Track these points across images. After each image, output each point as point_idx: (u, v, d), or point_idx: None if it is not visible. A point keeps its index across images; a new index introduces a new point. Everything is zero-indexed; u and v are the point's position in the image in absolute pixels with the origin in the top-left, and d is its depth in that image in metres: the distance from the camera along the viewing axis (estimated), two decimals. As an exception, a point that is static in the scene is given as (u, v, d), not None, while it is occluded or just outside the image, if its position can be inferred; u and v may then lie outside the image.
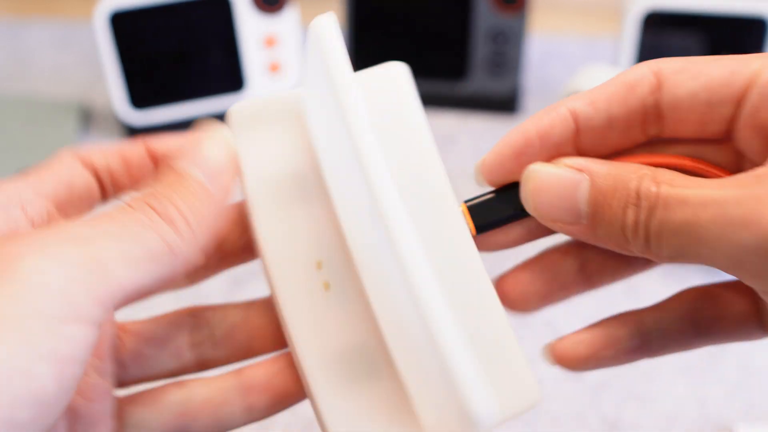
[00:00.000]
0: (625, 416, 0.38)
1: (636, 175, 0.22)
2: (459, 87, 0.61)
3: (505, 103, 0.61)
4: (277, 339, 0.30)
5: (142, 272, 0.23)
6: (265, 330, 0.30)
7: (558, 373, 0.40)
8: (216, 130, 0.25)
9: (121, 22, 0.55)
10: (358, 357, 0.27)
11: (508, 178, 0.25)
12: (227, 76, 0.59)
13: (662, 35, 0.54)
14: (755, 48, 0.52)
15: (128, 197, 0.24)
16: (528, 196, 0.24)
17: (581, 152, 0.24)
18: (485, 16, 0.58)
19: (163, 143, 0.29)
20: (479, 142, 0.59)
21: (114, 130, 0.61)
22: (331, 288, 0.27)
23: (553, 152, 0.24)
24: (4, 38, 0.75)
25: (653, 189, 0.22)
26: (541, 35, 0.73)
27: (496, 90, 0.60)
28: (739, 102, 0.23)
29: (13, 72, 0.69)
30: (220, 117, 0.63)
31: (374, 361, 0.27)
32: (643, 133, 0.24)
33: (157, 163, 0.29)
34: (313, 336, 0.27)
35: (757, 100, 0.22)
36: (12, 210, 0.26)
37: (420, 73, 0.61)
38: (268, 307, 0.30)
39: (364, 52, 0.61)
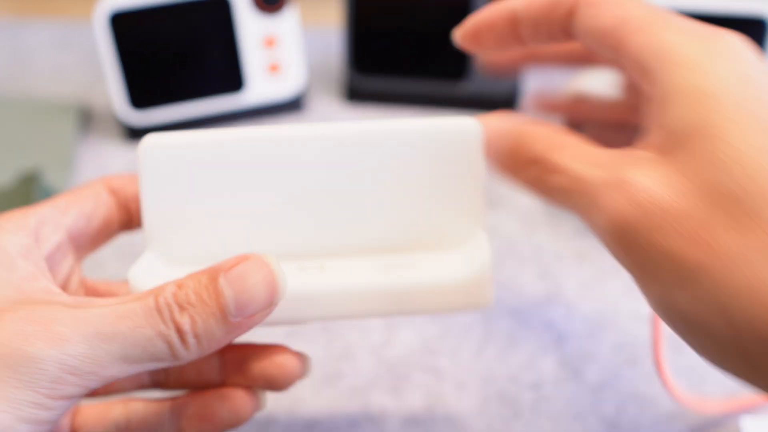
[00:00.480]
0: (625, 416, 0.38)
1: (533, 136, 0.27)
2: (459, 87, 0.61)
3: (506, 104, 0.61)
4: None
5: (135, 369, 0.25)
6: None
7: (558, 373, 0.41)
8: (271, 262, 0.26)
9: (120, 22, 0.55)
10: None
11: (476, 41, 0.31)
12: (227, 76, 0.59)
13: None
14: (755, 48, 0.52)
15: (163, 295, 0.26)
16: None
17: (521, 39, 0.30)
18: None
19: None
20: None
21: (114, 131, 0.61)
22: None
23: (506, 30, 0.30)
24: (3, 38, 0.75)
25: (544, 150, 0.26)
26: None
27: (497, 91, 0.60)
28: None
29: (13, 72, 0.69)
30: (221, 117, 0.63)
31: None
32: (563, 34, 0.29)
33: None
34: None
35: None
36: (23, 238, 0.28)
37: (420, 74, 0.61)
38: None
39: (364, 52, 0.61)
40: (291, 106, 0.62)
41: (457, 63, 0.60)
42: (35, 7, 0.82)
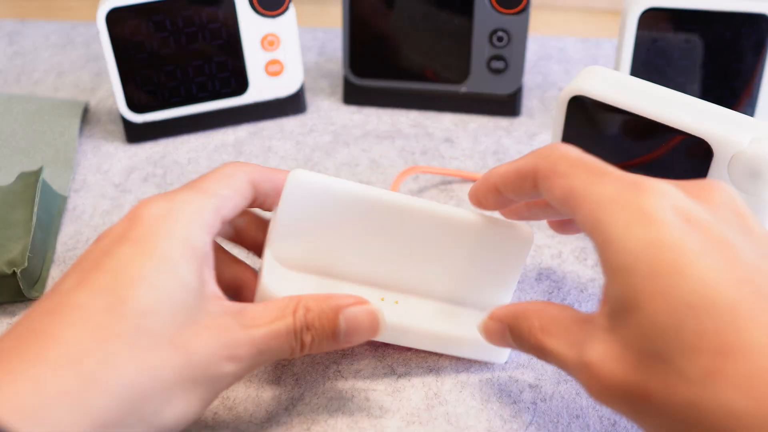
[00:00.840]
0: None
1: (527, 326, 0.34)
2: (457, 90, 0.61)
3: (507, 105, 0.61)
4: None
5: (258, 367, 0.37)
6: None
7: (557, 373, 0.41)
8: (378, 313, 0.36)
9: (120, 22, 0.55)
10: None
11: (487, 200, 0.38)
12: (227, 76, 0.59)
13: (661, 33, 0.54)
14: (757, 45, 0.52)
15: (298, 316, 0.35)
16: (485, 338, 0.37)
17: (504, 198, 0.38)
18: (486, 16, 0.58)
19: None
20: (479, 144, 0.59)
21: (115, 130, 0.61)
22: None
23: (498, 196, 0.37)
24: (4, 38, 0.75)
25: (538, 338, 0.33)
26: (541, 35, 0.73)
27: (498, 92, 0.60)
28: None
29: (14, 72, 0.69)
30: (220, 117, 0.63)
31: None
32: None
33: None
34: None
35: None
36: (205, 234, 0.34)
37: (420, 75, 0.61)
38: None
39: (364, 53, 0.61)
40: (290, 107, 0.62)
41: (456, 65, 0.60)
42: (36, 8, 0.82)
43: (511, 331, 0.35)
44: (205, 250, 0.34)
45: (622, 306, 0.29)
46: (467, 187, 0.53)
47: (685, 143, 0.40)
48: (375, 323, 0.36)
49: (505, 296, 0.42)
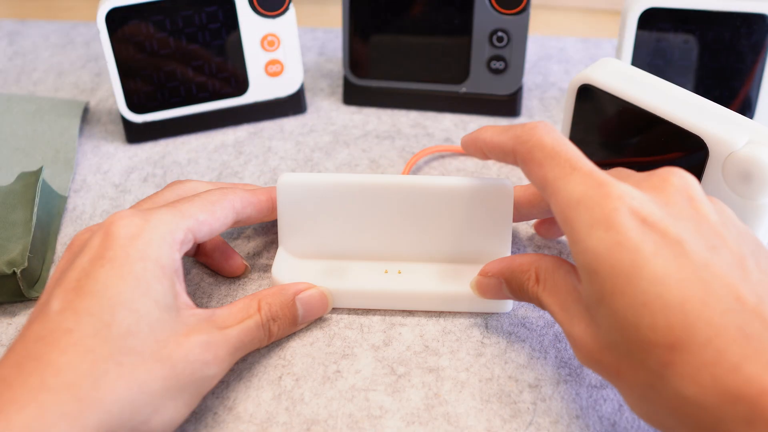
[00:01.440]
0: (625, 416, 0.38)
1: (526, 278, 0.38)
2: (460, 89, 0.61)
3: (507, 105, 0.61)
4: None
5: (235, 361, 0.39)
6: None
7: (557, 373, 0.41)
8: (327, 294, 0.43)
9: (120, 22, 0.55)
10: None
11: (473, 155, 0.42)
12: (227, 77, 0.59)
13: (661, 33, 0.54)
14: (756, 45, 0.52)
15: (264, 311, 0.40)
16: (478, 294, 0.42)
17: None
18: (486, 16, 0.58)
19: (273, 200, 0.45)
20: (479, 142, 0.59)
21: (115, 130, 0.61)
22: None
23: (488, 154, 0.41)
24: (4, 38, 0.75)
25: (536, 290, 0.37)
26: (541, 35, 0.72)
27: (498, 92, 0.60)
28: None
29: (14, 72, 0.69)
30: (220, 117, 0.63)
31: None
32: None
33: (272, 210, 0.44)
34: None
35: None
36: (175, 252, 0.37)
37: (420, 75, 0.61)
38: None
39: (364, 53, 0.61)
40: (290, 107, 0.62)
41: (456, 65, 0.60)
42: (36, 8, 0.82)
43: (508, 284, 0.39)
44: (175, 266, 0.37)
45: (591, 299, 0.33)
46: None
47: (683, 140, 0.40)
48: (325, 301, 0.42)
49: (503, 248, 0.44)
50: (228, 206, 0.41)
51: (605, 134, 0.45)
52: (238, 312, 0.38)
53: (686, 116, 0.40)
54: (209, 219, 0.39)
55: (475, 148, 0.41)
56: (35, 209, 0.47)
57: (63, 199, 0.53)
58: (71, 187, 0.55)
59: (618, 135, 0.44)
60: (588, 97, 0.44)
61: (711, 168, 0.40)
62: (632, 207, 0.32)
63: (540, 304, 0.38)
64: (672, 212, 0.32)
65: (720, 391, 0.28)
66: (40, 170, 0.50)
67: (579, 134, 0.46)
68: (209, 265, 0.47)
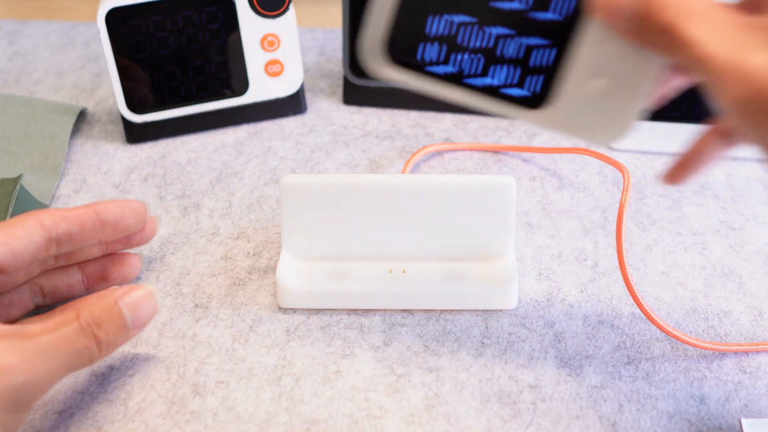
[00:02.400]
0: (625, 416, 0.38)
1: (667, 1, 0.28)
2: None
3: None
4: None
5: (61, 374, 0.35)
6: None
7: (557, 373, 0.41)
8: (153, 291, 0.39)
9: (120, 22, 0.55)
10: None
11: None
12: (227, 77, 0.59)
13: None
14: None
15: (83, 317, 0.36)
16: (596, 4, 0.30)
17: None
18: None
19: (110, 212, 0.42)
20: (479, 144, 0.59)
21: (115, 130, 0.61)
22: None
23: None
24: (4, 38, 0.75)
25: (676, 19, 0.28)
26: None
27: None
28: None
29: (14, 72, 0.69)
30: (220, 117, 0.63)
31: None
32: None
33: (104, 224, 0.42)
34: None
35: None
36: None
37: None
38: None
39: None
40: (290, 107, 0.61)
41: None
42: (36, 8, 0.82)
43: (638, 4, 0.29)
44: None
45: None
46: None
47: None
48: (153, 300, 0.39)
49: (505, 244, 0.45)
50: (32, 224, 0.39)
51: None
52: (53, 322, 0.35)
53: None
54: (6, 239, 0.38)
55: None
56: (8, 218, 0.47)
57: (43, 207, 0.52)
58: (57, 194, 0.55)
59: None
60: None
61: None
62: None
63: (671, 39, 0.28)
64: None
65: None
66: (19, 178, 0.50)
67: None
68: (104, 279, 0.45)
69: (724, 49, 0.27)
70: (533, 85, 0.34)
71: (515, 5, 0.33)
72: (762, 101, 0.26)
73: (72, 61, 0.71)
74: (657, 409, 0.39)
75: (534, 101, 0.35)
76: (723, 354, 0.42)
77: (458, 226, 0.45)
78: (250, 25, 0.57)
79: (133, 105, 0.58)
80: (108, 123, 0.62)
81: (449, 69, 0.35)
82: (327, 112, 0.63)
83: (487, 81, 0.35)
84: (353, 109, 0.63)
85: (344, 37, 0.61)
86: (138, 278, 0.46)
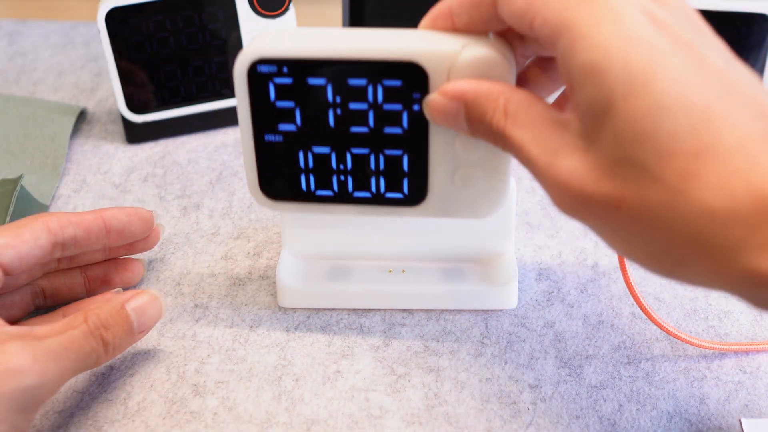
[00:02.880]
0: (625, 416, 0.38)
1: (492, 107, 0.32)
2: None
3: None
4: None
5: (69, 376, 0.35)
6: None
7: (557, 373, 0.41)
8: (159, 296, 0.40)
9: (120, 22, 0.55)
10: None
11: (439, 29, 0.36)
12: (227, 77, 0.59)
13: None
14: (757, 45, 0.52)
15: (91, 320, 0.36)
16: (430, 116, 0.35)
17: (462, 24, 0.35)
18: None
19: (117, 219, 0.43)
20: (479, 142, 0.59)
21: (115, 130, 0.61)
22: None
23: (458, 16, 0.35)
24: (4, 38, 0.75)
25: (501, 123, 0.31)
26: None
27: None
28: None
29: (14, 72, 0.69)
30: (220, 117, 0.63)
31: None
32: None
33: (110, 231, 0.43)
34: None
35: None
36: None
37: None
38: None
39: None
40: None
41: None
42: (36, 8, 0.82)
43: (468, 110, 0.33)
44: None
45: (596, 109, 0.28)
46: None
47: (395, 73, 0.36)
48: (158, 305, 0.40)
49: (505, 244, 0.45)
50: (39, 227, 0.39)
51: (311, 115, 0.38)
52: (62, 325, 0.36)
53: (388, 47, 0.35)
54: (13, 242, 0.38)
55: (440, 12, 0.35)
56: (8, 219, 0.47)
57: (44, 207, 0.52)
58: (56, 194, 0.55)
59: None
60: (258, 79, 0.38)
61: (435, 88, 0.35)
62: (641, 5, 0.28)
63: (503, 142, 0.31)
64: (678, 20, 0.29)
65: (756, 198, 0.25)
66: (19, 178, 0.50)
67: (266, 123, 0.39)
68: (107, 284, 0.45)
69: (541, 152, 0.30)
70: (404, 188, 0.38)
71: (364, 129, 0.37)
72: (574, 202, 0.29)
73: (72, 61, 0.71)
74: (657, 409, 0.39)
75: (412, 200, 0.39)
76: (723, 354, 0.42)
77: (458, 225, 0.44)
78: (250, 25, 0.57)
79: (133, 105, 0.58)
80: (108, 123, 0.62)
81: (329, 192, 0.39)
82: (327, 112, 0.63)
83: (366, 194, 0.39)
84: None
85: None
86: (140, 282, 0.46)
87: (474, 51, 0.34)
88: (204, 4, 0.56)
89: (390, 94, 0.36)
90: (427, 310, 0.44)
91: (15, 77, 0.69)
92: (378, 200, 0.39)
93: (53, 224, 0.40)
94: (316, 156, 0.38)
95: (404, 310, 0.44)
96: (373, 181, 0.38)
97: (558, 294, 0.45)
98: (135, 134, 0.59)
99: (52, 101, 0.63)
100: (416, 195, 0.38)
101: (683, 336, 0.41)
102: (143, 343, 0.43)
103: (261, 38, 0.37)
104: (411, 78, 0.35)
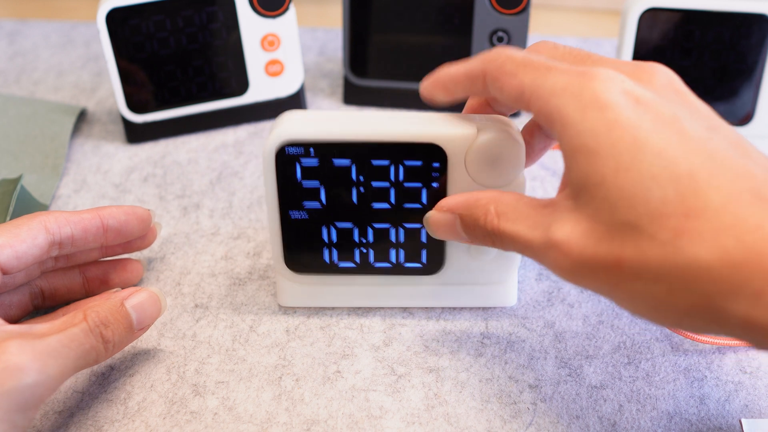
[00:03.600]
0: (625, 416, 0.38)
1: (482, 212, 0.35)
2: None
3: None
4: None
5: (69, 374, 0.35)
6: None
7: (557, 373, 0.41)
8: (158, 294, 0.40)
9: (120, 22, 0.55)
10: None
11: (437, 96, 0.39)
12: (228, 77, 0.59)
13: (661, 33, 0.54)
14: (757, 45, 0.52)
15: (91, 318, 0.36)
16: (431, 230, 0.39)
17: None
18: (486, 16, 0.58)
19: (114, 218, 0.43)
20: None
21: (115, 130, 0.61)
22: None
23: (448, 94, 0.39)
24: (4, 38, 0.75)
25: (495, 224, 0.35)
26: (541, 35, 0.72)
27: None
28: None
29: (14, 72, 0.69)
30: (220, 117, 0.63)
31: None
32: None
33: (107, 230, 0.43)
34: None
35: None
36: None
37: (420, 75, 0.61)
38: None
39: (364, 53, 0.61)
40: (290, 107, 0.61)
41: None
42: (36, 8, 0.82)
43: (462, 220, 0.37)
44: None
45: (587, 183, 0.31)
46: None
47: (416, 154, 0.39)
48: (157, 302, 0.40)
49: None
50: (36, 226, 0.40)
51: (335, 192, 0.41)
52: (61, 323, 0.36)
53: (410, 131, 0.39)
54: (11, 241, 0.38)
55: (437, 87, 0.39)
56: (8, 219, 0.47)
57: (43, 207, 0.52)
58: (56, 194, 0.55)
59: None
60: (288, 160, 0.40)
61: (453, 169, 0.39)
62: (623, 88, 0.31)
63: (500, 239, 0.35)
64: (662, 96, 0.32)
65: (745, 250, 0.27)
66: (19, 178, 0.50)
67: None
68: (107, 283, 0.45)
69: (537, 233, 0.33)
70: (423, 258, 0.42)
71: (386, 205, 0.40)
72: (576, 267, 0.31)
73: (72, 61, 0.71)
74: (657, 409, 0.39)
75: (430, 269, 0.42)
76: (723, 354, 0.42)
77: None
78: (250, 25, 0.57)
79: (133, 105, 0.58)
80: (108, 123, 0.62)
81: (351, 264, 0.42)
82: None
83: (387, 264, 0.42)
84: (353, 108, 0.63)
85: (344, 37, 0.61)
86: (140, 282, 0.46)
87: (488, 134, 0.38)
88: (204, 4, 0.56)
89: (411, 173, 0.39)
90: (427, 310, 0.44)
91: (15, 77, 0.69)
92: (398, 270, 0.42)
93: (50, 223, 0.40)
94: (339, 231, 0.41)
95: (404, 310, 0.44)
96: (393, 252, 0.42)
97: (558, 294, 0.45)
98: (135, 134, 0.59)
99: (53, 101, 0.63)
100: (434, 264, 0.42)
101: (683, 330, 0.41)
102: (143, 343, 0.43)
103: (288, 121, 0.40)
104: (431, 158, 0.39)
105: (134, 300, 0.39)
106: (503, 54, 0.35)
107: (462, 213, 0.37)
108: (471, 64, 0.37)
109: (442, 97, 0.39)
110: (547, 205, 0.33)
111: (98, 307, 0.37)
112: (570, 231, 0.31)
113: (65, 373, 0.35)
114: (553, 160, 0.56)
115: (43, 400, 0.34)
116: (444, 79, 0.38)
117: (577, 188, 0.31)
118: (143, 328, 0.39)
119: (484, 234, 0.35)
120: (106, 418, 0.39)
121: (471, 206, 0.36)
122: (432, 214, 0.38)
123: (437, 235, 0.39)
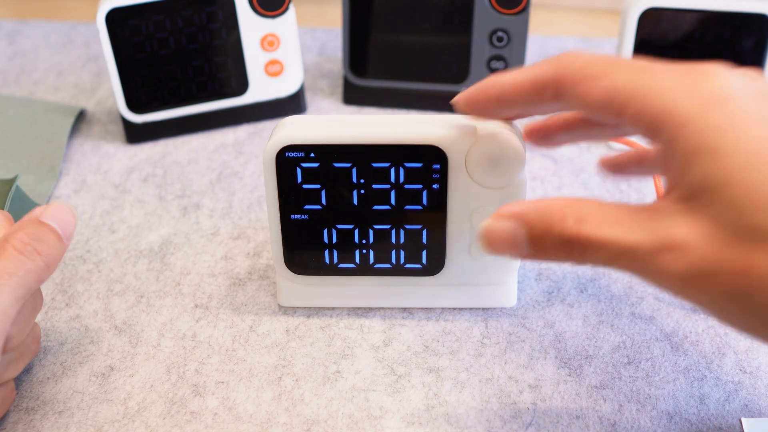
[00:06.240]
0: (625, 416, 0.38)
1: (558, 218, 0.30)
2: (460, 89, 0.61)
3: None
4: None
5: (19, 304, 0.35)
6: None
7: (557, 373, 0.41)
8: (69, 206, 0.39)
9: (120, 22, 0.55)
10: None
11: (475, 112, 0.36)
12: (228, 77, 0.59)
13: (661, 33, 0.54)
14: (757, 45, 0.52)
15: (16, 239, 0.36)
16: (485, 243, 0.33)
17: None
18: (486, 16, 0.58)
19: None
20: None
21: (115, 130, 0.61)
22: None
23: (498, 107, 0.35)
24: (4, 38, 0.75)
25: (574, 230, 0.30)
26: (541, 35, 0.72)
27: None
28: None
29: (14, 72, 0.69)
30: (220, 117, 0.63)
31: None
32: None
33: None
34: None
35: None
36: None
37: (420, 75, 0.61)
38: None
39: (364, 53, 0.61)
40: (290, 107, 0.62)
41: (456, 65, 0.60)
42: (36, 8, 0.82)
43: (531, 228, 0.31)
44: None
45: (709, 184, 0.27)
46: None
47: (416, 156, 0.39)
48: (69, 210, 0.38)
49: None
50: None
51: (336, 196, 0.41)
52: None
53: (410, 133, 0.39)
54: None
55: (486, 97, 0.35)
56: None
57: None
58: (53, 195, 0.55)
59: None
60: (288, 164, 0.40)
61: (454, 170, 0.39)
62: (741, 83, 0.29)
63: (579, 248, 0.30)
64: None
65: None
66: (15, 179, 0.50)
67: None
68: None
69: (641, 236, 0.28)
70: (423, 259, 0.42)
71: (386, 207, 0.40)
72: (695, 277, 0.28)
73: (72, 61, 0.71)
74: (657, 409, 0.39)
75: (430, 270, 0.42)
76: (723, 354, 0.42)
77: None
78: (250, 25, 0.57)
79: (133, 105, 0.58)
80: (108, 123, 0.62)
81: (352, 265, 0.42)
82: (327, 112, 0.63)
83: (387, 265, 0.42)
84: (353, 109, 0.63)
85: (344, 37, 0.61)
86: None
87: (489, 135, 0.38)
88: (204, 4, 0.56)
89: (411, 175, 0.39)
90: (427, 310, 0.44)
91: (15, 77, 0.69)
92: (398, 271, 0.42)
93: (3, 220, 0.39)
94: (339, 232, 0.41)
95: (404, 310, 0.44)
96: (393, 253, 0.42)
97: (558, 294, 0.45)
98: (135, 134, 0.59)
99: (52, 102, 0.63)
100: (434, 265, 0.42)
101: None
102: (143, 343, 0.43)
103: (288, 125, 0.40)
104: (431, 160, 0.39)
105: (48, 212, 0.38)
106: (579, 57, 0.32)
107: (531, 219, 0.31)
108: (535, 71, 0.33)
109: (491, 113, 0.36)
110: (644, 209, 0.30)
111: (18, 231, 0.36)
112: (689, 233, 0.28)
113: (18, 302, 0.35)
114: (553, 159, 0.56)
115: (9, 339, 0.35)
116: (495, 91, 0.34)
117: (695, 190, 0.28)
118: (68, 237, 0.38)
119: (559, 243, 0.30)
120: (106, 418, 0.39)
121: (542, 212, 0.31)
122: (491, 224, 0.32)
123: (492, 250, 0.33)
